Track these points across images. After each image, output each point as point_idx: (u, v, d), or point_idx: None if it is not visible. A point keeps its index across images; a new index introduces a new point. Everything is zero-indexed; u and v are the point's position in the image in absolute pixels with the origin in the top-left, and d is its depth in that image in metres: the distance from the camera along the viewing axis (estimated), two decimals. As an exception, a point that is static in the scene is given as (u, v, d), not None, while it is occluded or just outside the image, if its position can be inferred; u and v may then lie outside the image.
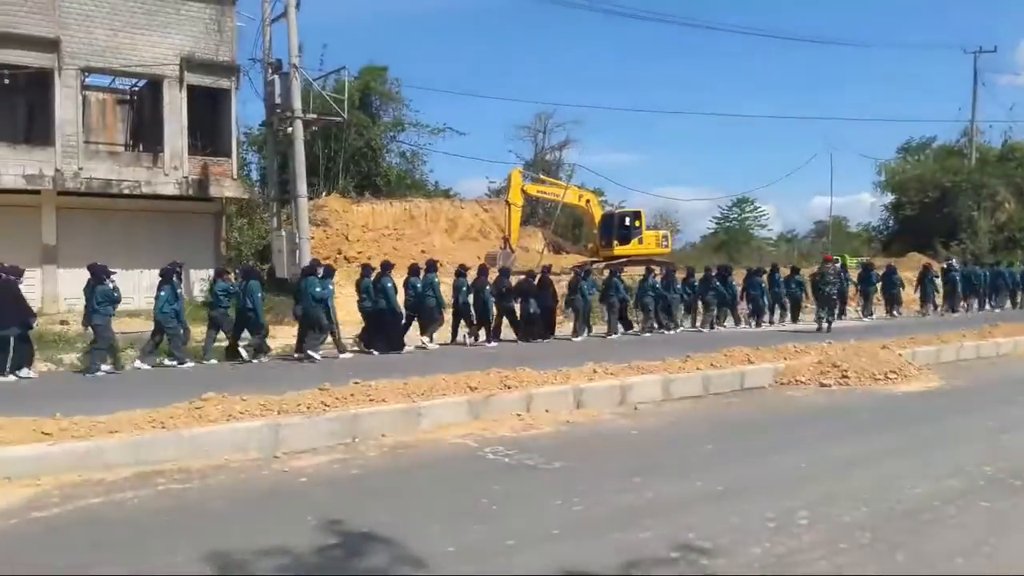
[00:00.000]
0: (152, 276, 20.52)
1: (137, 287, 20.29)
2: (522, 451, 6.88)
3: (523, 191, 25.38)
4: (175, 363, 12.81)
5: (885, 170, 46.06)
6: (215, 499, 5.57)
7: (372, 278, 14.89)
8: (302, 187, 19.43)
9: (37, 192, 19.04)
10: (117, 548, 4.56)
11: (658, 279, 18.61)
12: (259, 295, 13.69)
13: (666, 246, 29.40)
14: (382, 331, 14.73)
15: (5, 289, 11.79)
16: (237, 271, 15.17)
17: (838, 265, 20.12)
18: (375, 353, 14.36)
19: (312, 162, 20.67)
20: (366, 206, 25.56)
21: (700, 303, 19.21)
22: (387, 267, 15.04)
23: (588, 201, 29.22)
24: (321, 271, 14.36)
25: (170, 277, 13.15)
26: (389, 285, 14.61)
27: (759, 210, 51.44)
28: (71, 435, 6.30)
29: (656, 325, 18.18)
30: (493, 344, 15.72)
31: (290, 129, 19.44)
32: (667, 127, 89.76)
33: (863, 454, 6.84)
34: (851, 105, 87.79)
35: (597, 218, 28.99)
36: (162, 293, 12.97)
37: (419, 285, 15.28)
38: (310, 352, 13.51)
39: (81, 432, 6.38)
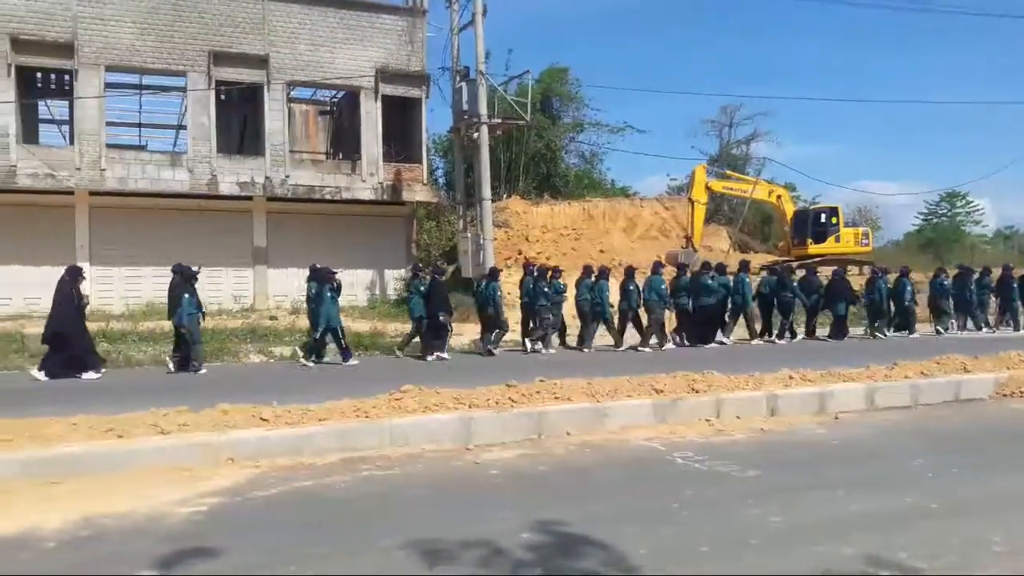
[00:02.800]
0: (351, 275, 22.04)
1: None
2: (714, 457, 6.65)
3: (707, 188, 24.64)
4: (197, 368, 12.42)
5: None
6: (415, 487, 5.80)
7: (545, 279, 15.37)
8: (486, 190, 19.97)
9: (249, 198, 20.86)
10: (327, 529, 4.86)
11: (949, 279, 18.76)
12: (499, 295, 14.88)
13: (866, 244, 27.48)
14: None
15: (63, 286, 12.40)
16: (420, 270, 15.94)
17: None
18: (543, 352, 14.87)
19: (494, 165, 21.18)
20: (545, 207, 25.87)
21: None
22: (496, 272, 15.69)
23: (779, 197, 27.89)
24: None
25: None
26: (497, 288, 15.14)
27: (971, 205, 46.95)
28: (285, 422, 6.82)
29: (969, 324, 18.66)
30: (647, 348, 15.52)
31: (476, 134, 20.03)
32: (865, 117, 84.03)
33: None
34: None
35: (789, 215, 27.59)
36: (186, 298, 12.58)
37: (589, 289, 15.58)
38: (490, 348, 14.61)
39: (294, 419, 6.89)
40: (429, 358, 14.01)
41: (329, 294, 13.54)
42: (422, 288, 14.60)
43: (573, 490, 5.77)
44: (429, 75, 21.85)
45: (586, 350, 15.39)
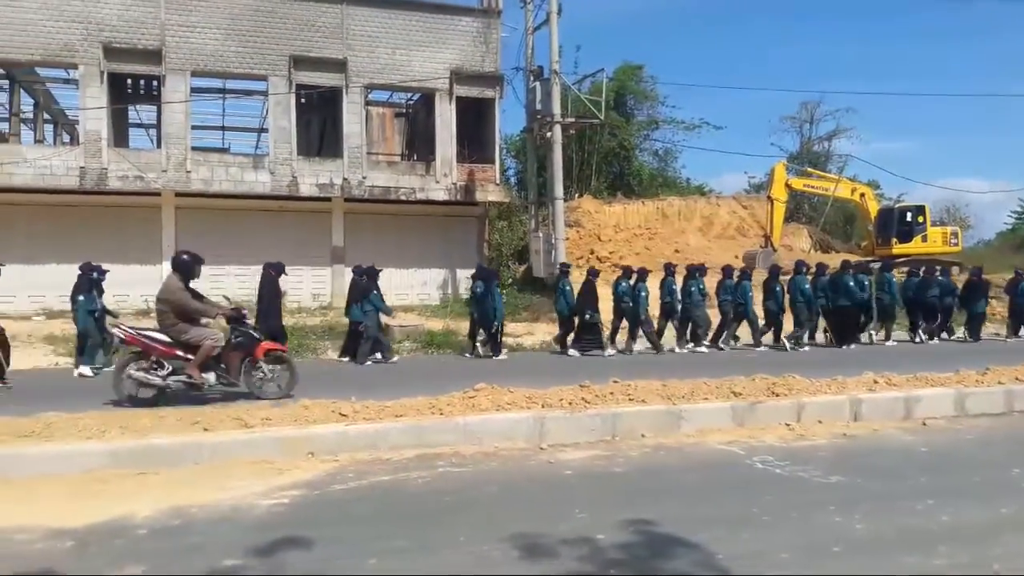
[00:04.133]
0: (424, 275, 22.36)
1: (411, 284, 22.11)
2: (794, 462, 6.47)
3: (787, 185, 24.03)
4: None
5: None
6: (489, 484, 5.83)
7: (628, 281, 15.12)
8: (559, 190, 19.94)
9: (328, 199, 21.32)
10: (404, 523, 4.93)
11: None
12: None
13: (955, 244, 26.35)
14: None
15: (270, 281, 13.28)
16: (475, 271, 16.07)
17: None
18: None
19: (566, 164, 21.13)
20: (618, 206, 25.64)
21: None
22: (595, 273, 15.39)
23: (862, 195, 26.99)
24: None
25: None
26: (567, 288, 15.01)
27: (1070, 202, 44.45)
28: (363, 417, 6.95)
29: None
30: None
31: (549, 133, 20.02)
32: (953, 112, 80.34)
33: None
34: None
35: (873, 213, 26.67)
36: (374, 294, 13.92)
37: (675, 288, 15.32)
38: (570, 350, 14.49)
39: (371, 415, 7.02)
40: (573, 353, 14.41)
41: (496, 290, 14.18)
42: (568, 288, 14.82)
43: (649, 492, 5.70)
44: (503, 75, 21.95)
45: (725, 348, 15.45)
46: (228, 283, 19.87)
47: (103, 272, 13.13)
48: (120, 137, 22.88)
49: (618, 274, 15.67)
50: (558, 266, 16.15)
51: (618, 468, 6.37)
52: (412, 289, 22.15)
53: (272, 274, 13.26)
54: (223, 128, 29.26)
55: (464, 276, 22.22)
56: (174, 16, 19.62)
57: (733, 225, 25.99)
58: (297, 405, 7.20)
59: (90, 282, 12.54)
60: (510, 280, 21.99)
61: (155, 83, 21.25)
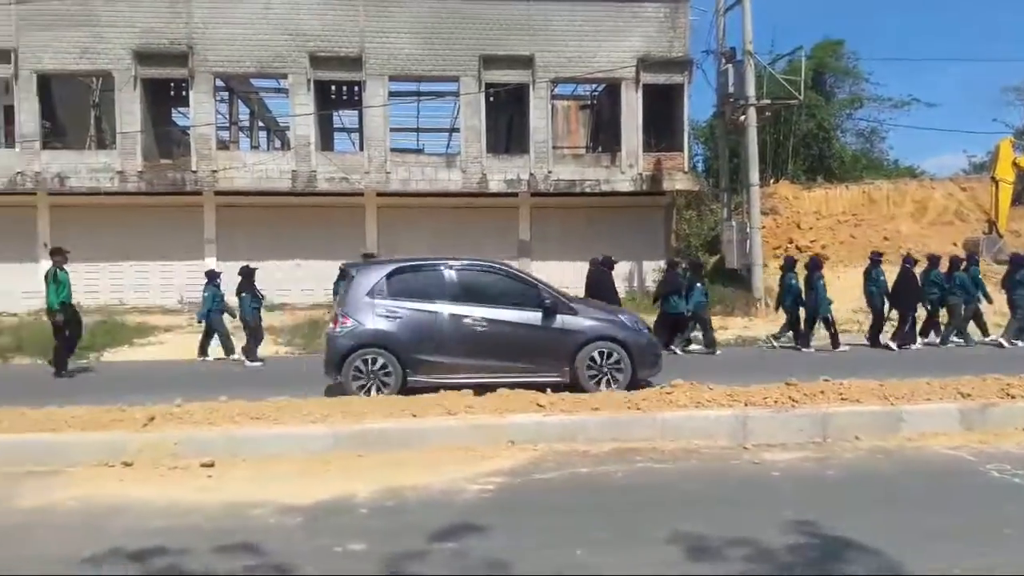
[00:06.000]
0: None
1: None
2: (1039, 472, 5.79)
3: (1014, 164, 21.51)
4: None
5: None
6: (689, 482, 5.69)
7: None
8: (754, 176, 19.09)
9: (515, 195, 21.75)
10: (607, 516, 4.90)
11: None
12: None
13: None
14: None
15: (603, 277, 13.71)
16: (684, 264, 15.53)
17: None
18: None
19: (760, 149, 20.12)
20: (818, 191, 24.09)
21: None
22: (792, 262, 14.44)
23: (1104, 173, 23.63)
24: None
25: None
26: (793, 283, 13.94)
27: None
28: (560, 409, 7.00)
29: None
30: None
31: (743, 117, 19.22)
32: None
33: None
34: None
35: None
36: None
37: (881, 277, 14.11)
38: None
39: (568, 407, 7.05)
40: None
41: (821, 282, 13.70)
42: (794, 282, 13.91)
43: (867, 499, 5.32)
44: (692, 60, 21.33)
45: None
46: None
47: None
48: (326, 141, 24.61)
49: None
50: (783, 259, 15.26)
51: (831, 471, 5.99)
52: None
53: (605, 269, 13.79)
54: (418, 130, 30.71)
55: (650, 268, 21.90)
56: (373, 22, 20.77)
57: (951, 209, 23.59)
58: (496, 395, 7.38)
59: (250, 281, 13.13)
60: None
61: (356, 88, 22.63)
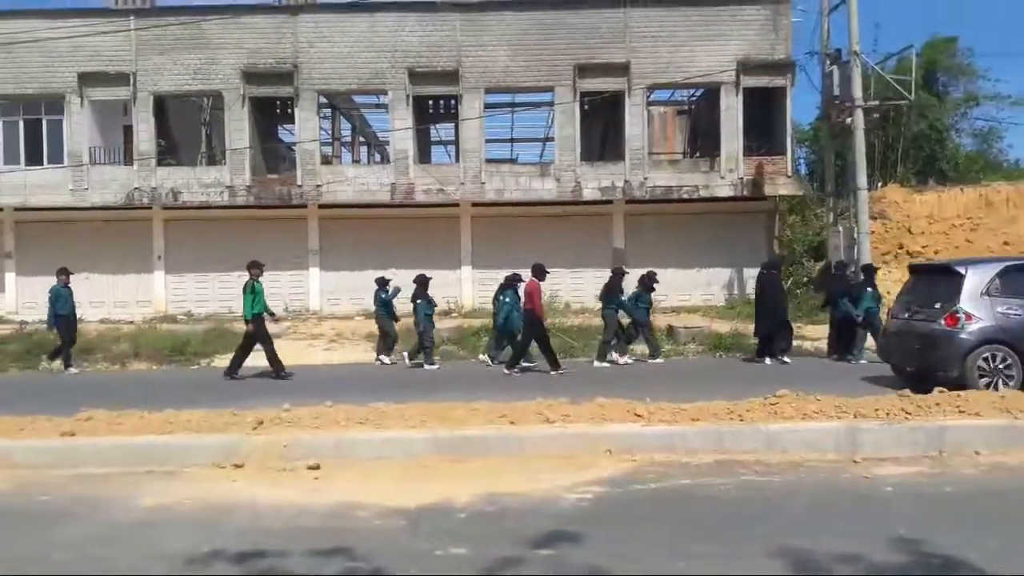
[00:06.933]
0: (708, 274, 21.80)
1: (695, 284, 21.68)
2: None
3: None
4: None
5: None
6: (796, 495, 5.50)
7: None
8: (862, 179, 18.34)
9: (610, 202, 21.61)
10: (709, 529, 4.80)
11: None
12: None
13: None
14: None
15: (772, 281, 13.73)
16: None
17: None
18: None
19: (868, 151, 19.33)
20: (930, 194, 22.95)
21: None
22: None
23: None
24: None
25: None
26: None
27: None
28: (659, 419, 6.89)
29: None
30: None
31: (849, 119, 18.52)
32: None
33: None
34: None
35: None
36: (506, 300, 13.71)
37: None
38: None
39: (666, 417, 6.93)
40: None
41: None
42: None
43: (988, 517, 5.02)
44: (795, 62, 20.71)
45: None
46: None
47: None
48: (423, 154, 25.13)
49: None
50: (861, 267, 14.65)
51: (948, 487, 5.67)
52: (696, 289, 21.71)
53: (775, 272, 13.91)
54: (512, 140, 30.97)
55: (750, 275, 21.32)
56: (469, 37, 21.11)
57: (1074, 211, 22.09)
58: (593, 403, 7.33)
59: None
60: (805, 279, 20.69)
61: (452, 102, 23.03)
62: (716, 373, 12.90)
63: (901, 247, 20.81)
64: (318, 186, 21.14)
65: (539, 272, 12.79)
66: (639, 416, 6.97)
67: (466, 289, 21.60)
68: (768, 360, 13.29)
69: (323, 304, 21.89)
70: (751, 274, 21.23)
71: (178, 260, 21.85)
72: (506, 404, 7.24)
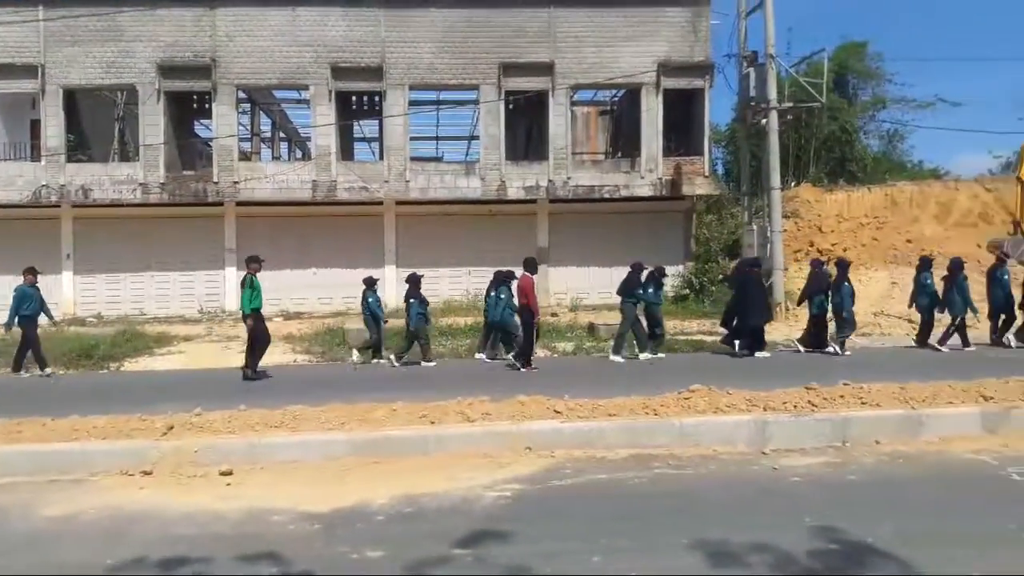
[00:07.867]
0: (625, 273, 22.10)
1: (616, 283, 21.93)
2: (1063, 476, 5.70)
3: (1040, 164, 21.20)
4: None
5: None
6: (709, 488, 5.66)
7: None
8: (775, 179, 18.94)
9: (533, 201, 21.74)
10: (625, 523, 4.89)
11: None
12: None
13: None
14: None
15: (754, 279, 13.74)
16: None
17: None
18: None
19: (781, 153, 19.93)
20: (840, 194, 23.87)
21: None
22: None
23: None
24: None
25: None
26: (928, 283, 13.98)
27: None
28: (577, 415, 6.99)
29: None
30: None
31: (764, 121, 19.10)
32: None
33: None
34: None
35: None
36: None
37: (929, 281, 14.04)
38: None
39: (585, 413, 7.05)
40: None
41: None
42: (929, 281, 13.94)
43: (887, 503, 5.28)
44: (713, 64, 21.22)
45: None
46: (441, 286, 20.90)
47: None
48: (346, 151, 24.74)
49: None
50: (919, 259, 14.85)
51: (852, 476, 5.95)
52: (614, 287, 21.99)
53: (756, 271, 13.97)
54: (437, 138, 30.82)
55: (671, 273, 21.75)
56: (394, 32, 20.90)
57: (975, 211, 23.27)
58: (513, 401, 7.38)
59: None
60: (720, 276, 21.25)
61: (376, 98, 22.77)
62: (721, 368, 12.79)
63: (812, 245, 21.60)
64: (236, 183, 20.59)
65: (531, 266, 12.88)
66: (558, 413, 7.05)
67: (389, 289, 21.42)
68: (746, 352, 13.23)
69: (240, 305, 21.27)
70: (672, 271, 21.71)
71: (88, 260, 20.93)
72: (426, 404, 7.22)
